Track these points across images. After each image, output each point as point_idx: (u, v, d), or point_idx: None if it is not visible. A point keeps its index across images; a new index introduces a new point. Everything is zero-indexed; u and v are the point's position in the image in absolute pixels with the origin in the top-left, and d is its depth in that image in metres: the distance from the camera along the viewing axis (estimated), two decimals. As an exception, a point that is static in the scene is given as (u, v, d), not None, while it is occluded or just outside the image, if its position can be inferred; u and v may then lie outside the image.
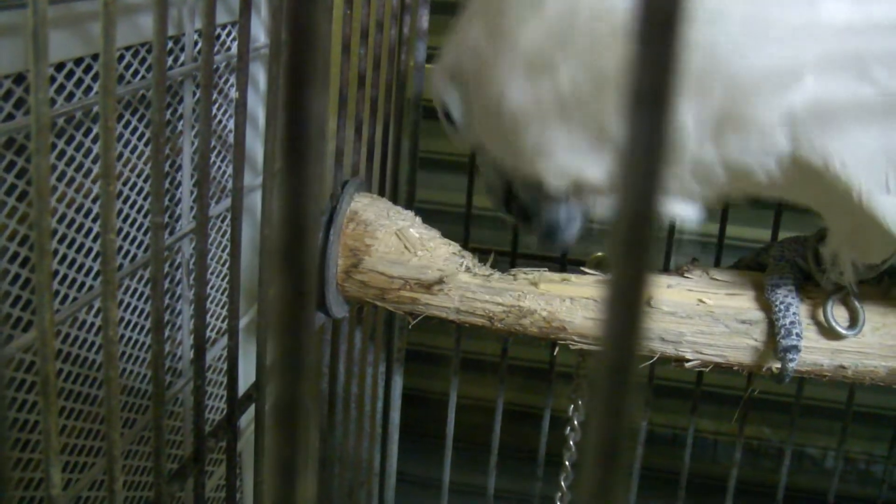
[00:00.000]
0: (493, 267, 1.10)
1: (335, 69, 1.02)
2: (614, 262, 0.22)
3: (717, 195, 0.89)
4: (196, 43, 0.98)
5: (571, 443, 1.24)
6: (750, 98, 0.78)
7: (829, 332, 0.97)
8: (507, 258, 1.24)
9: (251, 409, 0.96)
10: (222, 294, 1.16)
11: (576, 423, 1.23)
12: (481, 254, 1.13)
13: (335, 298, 1.07)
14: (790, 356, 0.95)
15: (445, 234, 1.10)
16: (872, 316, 0.97)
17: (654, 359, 1.04)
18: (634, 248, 0.21)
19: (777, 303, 0.96)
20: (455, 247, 1.09)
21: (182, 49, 0.97)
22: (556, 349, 1.11)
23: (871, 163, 0.77)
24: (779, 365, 0.97)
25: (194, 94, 0.99)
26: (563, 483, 1.26)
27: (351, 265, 1.05)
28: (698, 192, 0.88)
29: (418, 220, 1.12)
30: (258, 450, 0.94)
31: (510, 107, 0.87)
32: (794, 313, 0.96)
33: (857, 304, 0.96)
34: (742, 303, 1.00)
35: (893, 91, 0.75)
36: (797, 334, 0.95)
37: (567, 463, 1.25)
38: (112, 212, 0.64)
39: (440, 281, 1.06)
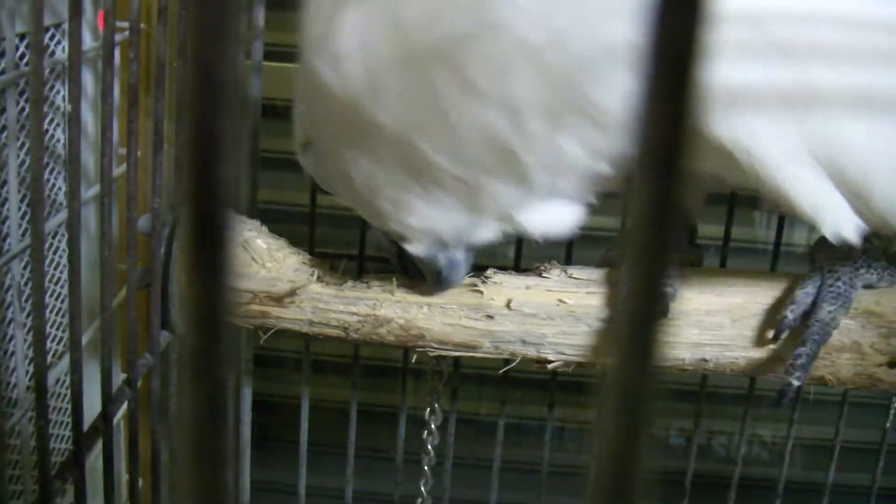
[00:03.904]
0: (344, 274, 1.06)
1: (171, 73, 0.96)
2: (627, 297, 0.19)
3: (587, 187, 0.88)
4: (17, 48, 0.90)
5: (430, 447, 1.22)
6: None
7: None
8: (356, 261, 1.19)
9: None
10: (57, 314, 1.08)
11: (433, 426, 1.21)
12: (329, 258, 1.09)
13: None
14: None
15: (289, 236, 1.06)
16: (732, 308, 0.97)
17: (516, 362, 1.02)
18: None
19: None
20: (304, 256, 1.05)
21: (2, 55, 0.88)
22: (414, 356, 1.08)
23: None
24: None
25: (18, 103, 0.91)
26: (423, 488, 1.24)
27: (196, 280, 0.99)
28: (563, 186, 0.87)
29: (264, 229, 1.07)
30: (108, 485, 0.87)
31: (358, 174, 0.89)
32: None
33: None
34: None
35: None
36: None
37: (426, 468, 1.22)
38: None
39: (291, 293, 1.02)
